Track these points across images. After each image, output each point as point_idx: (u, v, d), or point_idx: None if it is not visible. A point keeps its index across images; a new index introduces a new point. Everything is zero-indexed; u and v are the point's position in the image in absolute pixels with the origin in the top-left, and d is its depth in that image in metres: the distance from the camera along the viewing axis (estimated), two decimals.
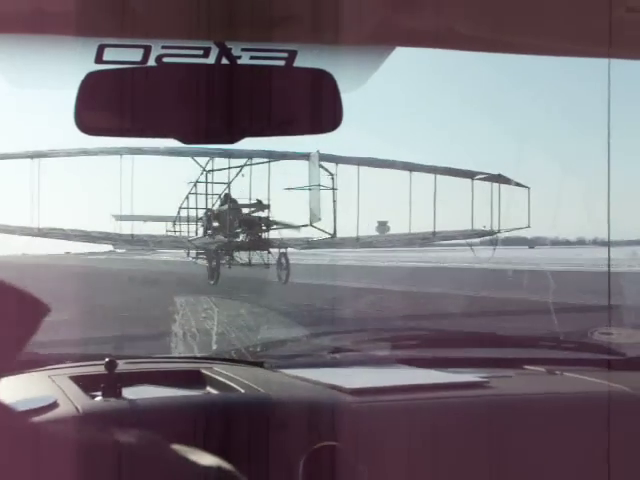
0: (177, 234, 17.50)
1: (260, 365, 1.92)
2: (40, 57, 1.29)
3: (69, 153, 16.42)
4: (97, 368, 1.68)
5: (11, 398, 1.37)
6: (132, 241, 17.98)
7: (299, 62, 1.24)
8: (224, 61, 1.23)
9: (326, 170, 15.88)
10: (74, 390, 1.59)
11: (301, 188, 15.74)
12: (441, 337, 2.57)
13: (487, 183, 16.11)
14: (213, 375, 1.75)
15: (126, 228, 17.12)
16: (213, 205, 17.07)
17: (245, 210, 16.88)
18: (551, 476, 1.61)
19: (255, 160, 16.29)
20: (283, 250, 16.28)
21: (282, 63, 1.23)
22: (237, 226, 16.54)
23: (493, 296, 11.28)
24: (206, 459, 0.78)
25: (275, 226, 16.68)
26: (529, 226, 16.27)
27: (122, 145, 14.67)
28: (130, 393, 1.58)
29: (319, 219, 15.58)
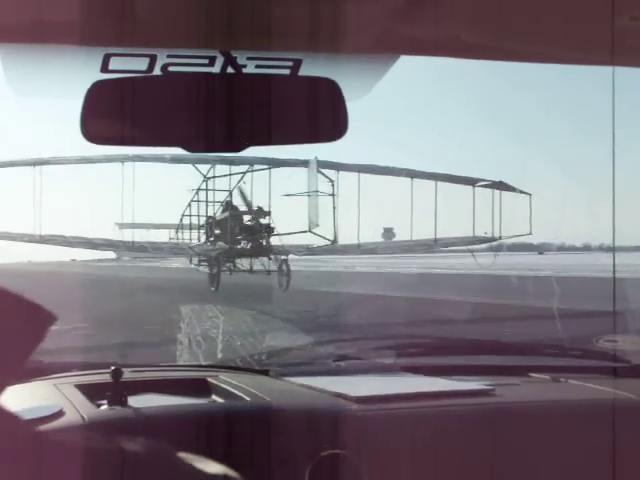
0: (180, 241, 17.54)
1: (265, 373, 1.91)
2: (46, 66, 1.30)
3: (70, 160, 16.46)
4: (103, 376, 1.68)
5: (17, 407, 1.37)
6: (133, 248, 18.01)
7: (304, 71, 1.24)
8: (229, 70, 1.23)
9: (326, 177, 15.91)
10: (80, 399, 1.59)
11: (300, 194, 15.77)
12: (445, 345, 2.57)
13: (488, 190, 16.13)
14: (218, 383, 1.75)
15: (127, 235, 17.17)
16: (215, 212, 17.11)
17: (246, 217, 16.91)
18: None
19: (256, 167, 16.33)
20: (284, 257, 16.29)
21: (287, 72, 1.23)
22: (238, 233, 16.57)
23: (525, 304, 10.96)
24: (212, 467, 0.78)
25: (275, 233, 16.70)
26: (530, 233, 16.30)
27: (124, 152, 14.70)
28: (136, 401, 1.58)
29: (317, 225, 15.60)
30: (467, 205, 16.39)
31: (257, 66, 1.25)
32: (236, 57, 1.23)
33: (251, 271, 16.87)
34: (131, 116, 1.22)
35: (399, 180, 17.02)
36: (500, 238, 16.32)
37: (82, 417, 1.48)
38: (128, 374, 1.68)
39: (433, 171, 17.10)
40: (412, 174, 16.83)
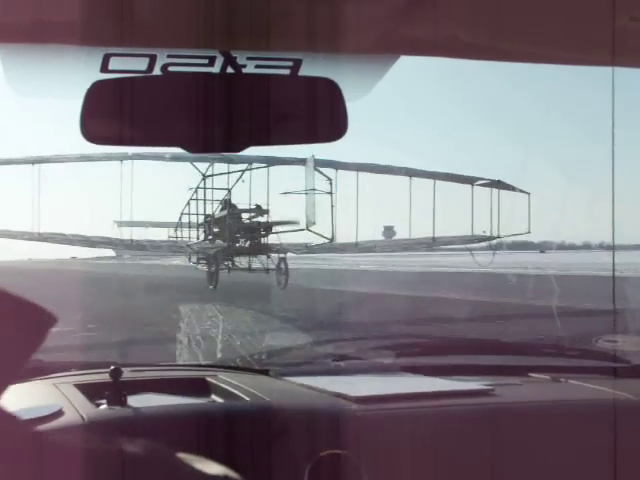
0: (179, 239, 17.55)
1: (265, 373, 1.91)
2: (46, 66, 1.30)
3: (69, 159, 16.45)
4: (102, 376, 1.68)
5: (16, 406, 1.37)
6: (132, 246, 18.02)
7: (304, 71, 1.24)
8: (229, 70, 1.23)
9: (324, 175, 15.91)
10: (79, 398, 1.59)
11: (297, 192, 15.78)
12: (445, 344, 2.57)
13: (487, 189, 16.15)
14: (218, 383, 1.75)
15: (126, 233, 17.18)
16: (214, 211, 17.12)
17: (244, 215, 16.92)
18: None
19: (254, 166, 16.34)
20: (282, 255, 16.29)
21: (287, 72, 1.23)
22: (236, 231, 16.57)
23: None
24: (212, 468, 0.78)
25: (272, 231, 16.71)
26: (529, 231, 16.31)
27: (122, 151, 14.70)
28: (135, 401, 1.58)
29: (314, 223, 15.60)
30: (466, 204, 16.42)
31: (257, 66, 1.24)
32: (236, 57, 1.23)
33: (250, 269, 16.88)
34: (131, 116, 1.22)
35: (398, 179, 17.05)
36: (499, 237, 16.34)
37: (81, 417, 1.48)
38: (127, 374, 1.68)
39: (432, 170, 17.12)
40: (411, 173, 16.84)
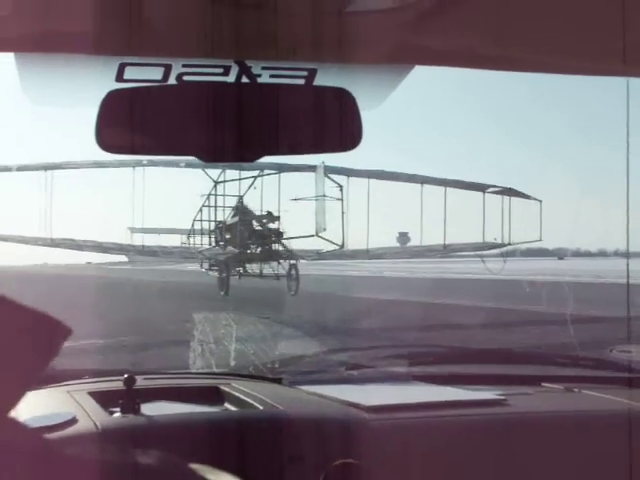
0: (191, 246, 17.62)
1: (278, 381, 1.91)
2: (61, 75, 1.30)
3: (82, 165, 16.55)
4: (116, 384, 1.68)
5: (30, 414, 1.37)
6: (143, 252, 18.09)
7: (319, 81, 1.24)
8: (244, 79, 1.23)
9: (335, 182, 15.94)
10: (93, 406, 1.59)
11: (307, 199, 15.81)
12: (458, 354, 2.56)
13: (498, 196, 16.12)
14: (231, 391, 1.75)
15: (138, 240, 17.26)
16: (225, 217, 17.17)
17: (256, 222, 16.96)
18: None
19: (265, 172, 16.39)
20: (293, 261, 16.31)
21: (302, 82, 1.23)
22: (247, 237, 16.62)
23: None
24: (224, 477, 0.78)
25: (283, 237, 16.74)
26: (540, 239, 16.26)
27: (135, 158, 14.76)
28: (148, 409, 1.58)
29: (324, 229, 15.62)
30: (477, 211, 16.40)
31: (272, 76, 1.25)
32: (250, 67, 1.23)
33: (261, 276, 16.91)
34: (146, 125, 1.23)
35: (409, 186, 17.04)
36: (510, 244, 16.29)
37: (95, 425, 1.48)
38: (141, 381, 1.68)
39: (443, 177, 17.11)
40: (422, 180, 16.83)
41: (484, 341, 7.38)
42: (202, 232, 17.46)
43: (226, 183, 16.94)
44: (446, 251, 18.11)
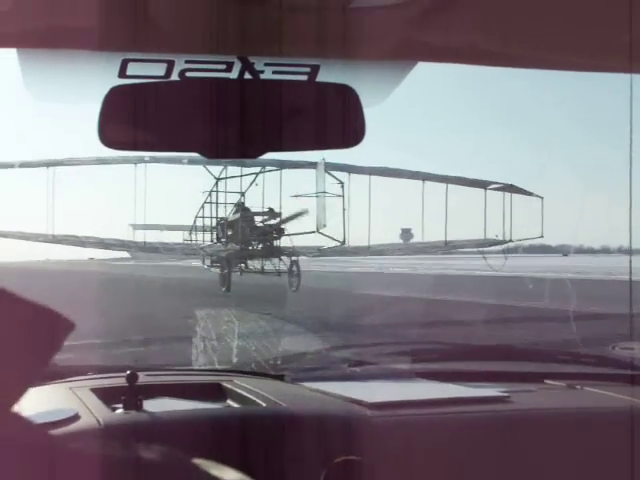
0: (193, 242, 17.63)
1: (280, 378, 1.91)
2: (64, 71, 1.30)
3: (84, 161, 16.55)
4: (118, 380, 1.68)
5: (33, 410, 1.37)
6: (145, 248, 18.10)
7: (321, 77, 1.24)
8: (247, 76, 1.23)
9: (336, 179, 15.94)
10: (95, 402, 1.60)
11: (307, 195, 15.82)
12: (461, 350, 2.56)
13: (500, 193, 16.11)
14: (233, 388, 1.75)
15: (140, 236, 17.27)
16: (227, 214, 17.19)
17: (257, 218, 16.97)
18: None
19: (266, 169, 16.39)
20: (294, 258, 16.32)
21: (305, 78, 1.23)
22: (249, 234, 16.62)
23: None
24: (228, 474, 0.77)
25: (284, 233, 16.75)
26: (542, 235, 16.26)
27: (137, 154, 14.76)
28: (151, 406, 1.58)
29: (324, 225, 15.63)
30: (479, 208, 16.39)
31: (274, 72, 1.24)
32: (253, 63, 1.23)
33: (262, 272, 16.93)
34: (148, 121, 1.22)
35: (411, 183, 17.03)
36: (511, 240, 16.29)
37: (97, 421, 1.48)
38: (143, 378, 1.68)
39: (445, 174, 17.10)
40: (424, 177, 16.82)
41: (486, 338, 7.37)
42: (204, 229, 17.47)
43: (227, 180, 16.95)
44: (447, 248, 18.09)
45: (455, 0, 1.12)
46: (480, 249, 17.04)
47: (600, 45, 1.25)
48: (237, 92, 1.23)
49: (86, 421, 1.48)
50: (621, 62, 1.28)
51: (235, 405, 1.70)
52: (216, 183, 16.97)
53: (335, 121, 1.25)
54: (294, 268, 16.16)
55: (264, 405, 1.62)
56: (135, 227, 17.07)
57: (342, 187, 16.04)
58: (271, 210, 16.86)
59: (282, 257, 16.60)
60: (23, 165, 16.65)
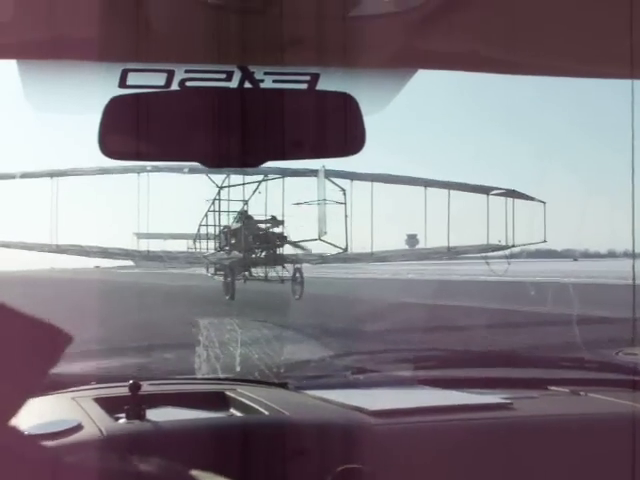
0: (196, 251, 17.65)
1: (283, 386, 1.91)
2: (64, 82, 1.30)
3: (87, 172, 16.58)
4: (121, 390, 1.68)
5: (35, 420, 1.37)
6: (149, 257, 18.11)
7: (321, 85, 1.24)
8: (247, 85, 1.23)
9: (337, 186, 15.95)
10: (98, 412, 1.59)
11: (308, 203, 15.83)
12: (463, 357, 2.55)
13: (502, 198, 16.10)
14: (236, 397, 1.75)
15: (144, 245, 17.29)
16: (230, 222, 17.20)
17: (260, 226, 16.98)
18: None
19: (269, 177, 16.41)
20: (298, 265, 16.32)
21: (305, 86, 1.23)
22: (252, 242, 16.63)
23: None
24: None
25: (286, 241, 16.77)
26: (545, 240, 16.24)
27: (140, 164, 14.77)
28: (154, 415, 1.58)
29: (325, 232, 15.64)
30: (481, 213, 16.38)
31: (274, 81, 1.24)
32: (253, 72, 1.23)
33: (266, 279, 16.93)
34: (149, 131, 1.22)
35: (413, 189, 17.04)
36: (514, 246, 16.27)
37: (100, 431, 1.48)
38: (146, 387, 1.68)
39: (447, 180, 17.10)
40: (426, 183, 16.82)
41: (490, 343, 7.35)
42: (208, 237, 17.47)
43: (230, 188, 16.97)
44: (450, 253, 18.07)
45: (455, 8, 1.12)
46: (483, 254, 17.03)
47: (601, 52, 1.25)
48: (237, 101, 1.23)
49: (89, 431, 1.48)
50: (622, 68, 1.28)
51: (238, 414, 1.70)
52: (219, 191, 16.99)
53: (335, 129, 1.25)
54: (297, 275, 16.16)
55: (267, 414, 1.62)
56: (139, 236, 17.09)
57: (344, 194, 16.05)
58: (274, 218, 16.87)
59: (285, 265, 16.60)
60: (27, 176, 16.69)
